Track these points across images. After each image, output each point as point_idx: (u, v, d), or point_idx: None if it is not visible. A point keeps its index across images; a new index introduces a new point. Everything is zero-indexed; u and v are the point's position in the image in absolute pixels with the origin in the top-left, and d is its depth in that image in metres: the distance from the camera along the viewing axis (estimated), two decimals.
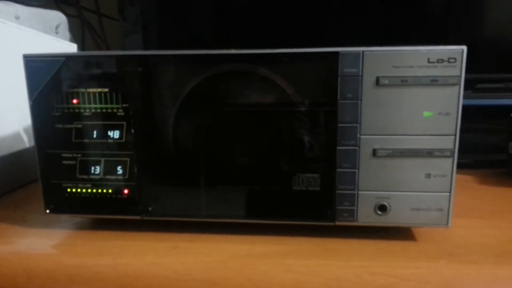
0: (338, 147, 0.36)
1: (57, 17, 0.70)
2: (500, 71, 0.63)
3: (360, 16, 0.66)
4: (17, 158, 0.52)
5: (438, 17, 0.64)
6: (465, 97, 0.34)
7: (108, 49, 0.89)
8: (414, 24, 0.64)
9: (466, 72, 0.34)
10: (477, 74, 0.60)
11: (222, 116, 0.37)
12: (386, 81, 0.34)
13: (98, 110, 0.38)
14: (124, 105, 0.38)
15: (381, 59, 0.34)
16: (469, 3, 0.63)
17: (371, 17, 0.66)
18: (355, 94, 0.35)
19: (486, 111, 0.67)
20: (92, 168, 0.39)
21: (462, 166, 0.54)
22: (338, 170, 0.36)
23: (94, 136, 0.38)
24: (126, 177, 0.39)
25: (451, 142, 0.35)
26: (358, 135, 0.35)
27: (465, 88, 0.34)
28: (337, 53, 0.34)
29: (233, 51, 0.36)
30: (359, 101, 0.35)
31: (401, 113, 0.34)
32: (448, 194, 0.35)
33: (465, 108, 0.35)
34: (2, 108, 0.50)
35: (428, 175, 0.35)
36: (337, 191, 0.36)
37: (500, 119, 0.69)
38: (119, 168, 0.39)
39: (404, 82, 0.34)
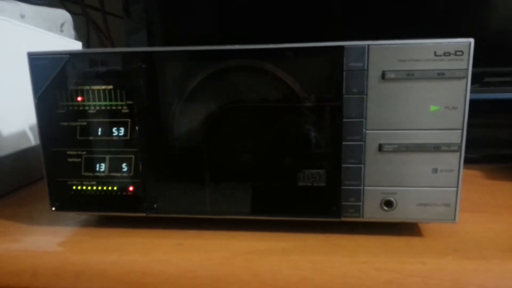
0: (343, 143, 0.35)
1: (62, 16, 0.70)
2: (508, 65, 0.62)
3: (363, 13, 0.65)
4: (23, 156, 0.52)
5: (445, 9, 0.64)
6: (472, 91, 0.34)
7: (113, 46, 0.89)
8: (421, 16, 0.64)
9: (474, 65, 0.33)
10: (485, 68, 0.59)
11: (226, 112, 0.37)
12: (392, 75, 0.34)
13: (103, 108, 0.38)
14: (128, 102, 0.38)
15: (386, 53, 0.33)
16: None
17: (375, 14, 0.65)
18: (360, 89, 0.34)
19: (494, 105, 0.66)
20: (97, 165, 0.39)
21: (469, 161, 0.53)
22: (343, 165, 0.36)
23: (99, 133, 0.38)
24: (131, 174, 0.39)
25: (458, 136, 0.34)
26: (364, 130, 0.35)
27: (473, 82, 0.34)
28: (342, 47, 0.34)
29: (237, 47, 0.36)
30: (365, 96, 0.34)
31: (407, 107, 0.34)
32: (455, 189, 0.35)
33: (472, 102, 0.34)
34: (7, 106, 0.50)
35: (435, 170, 0.35)
36: (343, 187, 0.36)
37: (508, 113, 0.69)
38: (124, 165, 0.39)
39: (410, 76, 0.33)
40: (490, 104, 0.64)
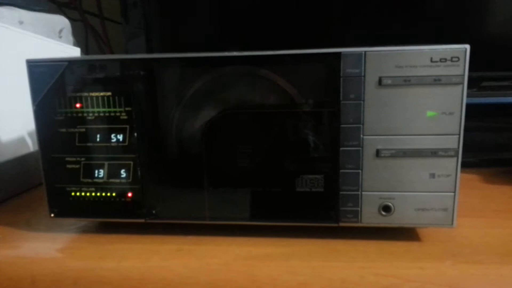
0: (341, 148, 0.35)
1: (60, 22, 0.70)
2: (505, 69, 0.62)
3: (363, 14, 0.66)
4: (22, 162, 0.52)
5: (443, 15, 0.64)
6: (470, 95, 0.34)
7: (112, 52, 0.89)
8: (419, 21, 0.64)
9: (471, 70, 0.33)
10: (482, 72, 0.59)
11: (225, 118, 0.37)
12: (389, 81, 0.34)
13: (101, 114, 0.38)
14: (127, 109, 0.38)
15: (383, 59, 0.34)
16: (474, 1, 0.63)
17: (374, 16, 0.66)
18: (357, 95, 0.34)
19: (492, 109, 0.67)
20: (96, 171, 0.39)
21: (467, 165, 0.53)
22: (341, 171, 0.36)
23: (98, 139, 0.39)
24: (130, 180, 0.39)
25: (455, 141, 0.34)
26: (361, 136, 0.35)
27: (470, 86, 0.34)
28: (339, 53, 0.34)
29: (235, 53, 0.36)
30: (362, 102, 0.35)
31: (404, 113, 0.34)
32: (452, 194, 0.35)
33: (470, 106, 0.34)
34: (6, 112, 0.51)
35: (432, 175, 0.35)
36: (341, 192, 0.36)
37: (506, 117, 0.69)
38: (122, 171, 0.39)
39: (407, 82, 0.34)
40: (488, 108, 0.65)
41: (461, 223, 0.37)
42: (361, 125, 0.35)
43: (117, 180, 0.39)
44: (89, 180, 0.39)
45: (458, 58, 0.33)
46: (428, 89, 0.34)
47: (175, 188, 0.39)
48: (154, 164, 0.39)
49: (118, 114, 0.38)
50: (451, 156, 0.34)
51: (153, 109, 0.38)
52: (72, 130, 0.39)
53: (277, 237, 0.38)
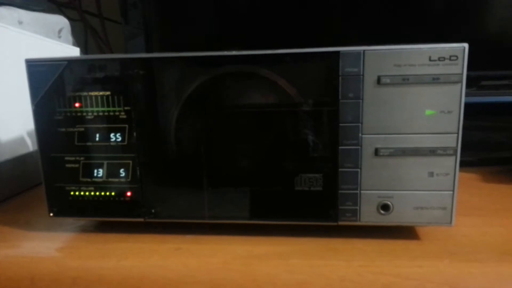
0: (340, 147, 0.36)
1: (60, 22, 0.70)
2: (504, 68, 0.63)
3: (363, 14, 0.66)
4: (21, 162, 0.52)
5: (442, 13, 0.64)
6: (469, 94, 0.34)
7: (111, 52, 0.90)
8: (418, 21, 0.64)
9: (471, 69, 0.34)
10: (481, 71, 0.59)
11: (224, 118, 0.37)
12: (388, 80, 0.34)
13: (101, 113, 0.38)
14: (126, 108, 0.38)
15: (382, 58, 0.34)
16: (474, 0, 0.63)
17: (374, 16, 0.66)
18: (356, 94, 0.35)
19: (491, 108, 0.67)
20: (95, 171, 0.39)
21: (466, 164, 0.53)
22: (340, 170, 0.36)
23: (97, 139, 0.39)
24: (129, 179, 0.39)
25: (453, 140, 0.34)
26: (360, 135, 0.35)
27: (470, 85, 0.34)
28: (337, 52, 0.34)
29: (234, 53, 0.36)
30: (361, 101, 0.35)
31: (403, 111, 0.34)
32: (451, 192, 0.35)
33: (469, 105, 0.34)
34: (6, 112, 0.51)
35: (431, 174, 0.35)
36: (340, 191, 0.36)
37: (505, 116, 0.69)
38: (121, 170, 0.39)
39: (405, 80, 0.34)
40: (487, 107, 0.65)
41: (460, 222, 0.37)
42: (360, 124, 0.35)
43: (116, 180, 0.39)
44: (88, 180, 0.39)
45: (456, 57, 0.33)
46: (427, 88, 0.34)
47: (174, 187, 0.39)
48: (153, 164, 0.39)
49: (117, 113, 0.38)
50: (450, 155, 0.34)
51: (153, 108, 0.38)
52: (71, 129, 0.39)
53: (276, 236, 0.38)
